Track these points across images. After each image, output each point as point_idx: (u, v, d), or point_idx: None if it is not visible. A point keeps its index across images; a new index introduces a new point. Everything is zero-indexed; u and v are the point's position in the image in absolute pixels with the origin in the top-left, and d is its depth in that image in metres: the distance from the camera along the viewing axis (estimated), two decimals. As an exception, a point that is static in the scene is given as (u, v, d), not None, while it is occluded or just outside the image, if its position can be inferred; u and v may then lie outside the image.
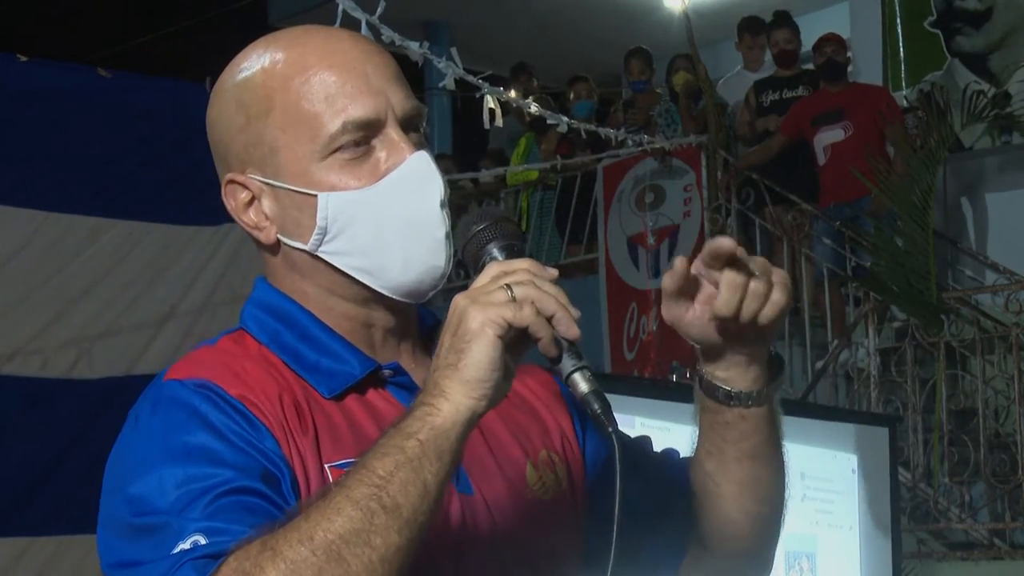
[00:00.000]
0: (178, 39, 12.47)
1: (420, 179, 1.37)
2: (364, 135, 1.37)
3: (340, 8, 4.54)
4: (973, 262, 7.62)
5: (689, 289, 1.36)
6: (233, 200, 1.42)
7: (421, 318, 1.50)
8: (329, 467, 1.32)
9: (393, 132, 1.38)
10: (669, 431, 3.73)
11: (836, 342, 7.06)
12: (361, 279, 1.39)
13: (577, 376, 1.27)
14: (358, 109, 1.36)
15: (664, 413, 3.64)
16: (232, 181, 1.41)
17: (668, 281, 1.36)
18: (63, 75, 4.77)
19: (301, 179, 1.37)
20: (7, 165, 4.51)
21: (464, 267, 1.40)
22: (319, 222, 1.37)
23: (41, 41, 10.22)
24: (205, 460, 1.25)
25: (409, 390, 1.41)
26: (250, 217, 1.41)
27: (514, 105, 8.10)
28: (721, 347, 1.39)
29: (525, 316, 1.22)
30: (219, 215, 1.49)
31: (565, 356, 1.26)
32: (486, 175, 9.04)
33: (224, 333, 1.44)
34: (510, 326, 1.21)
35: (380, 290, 1.39)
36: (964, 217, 8.15)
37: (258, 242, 1.43)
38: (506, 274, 1.25)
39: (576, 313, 1.25)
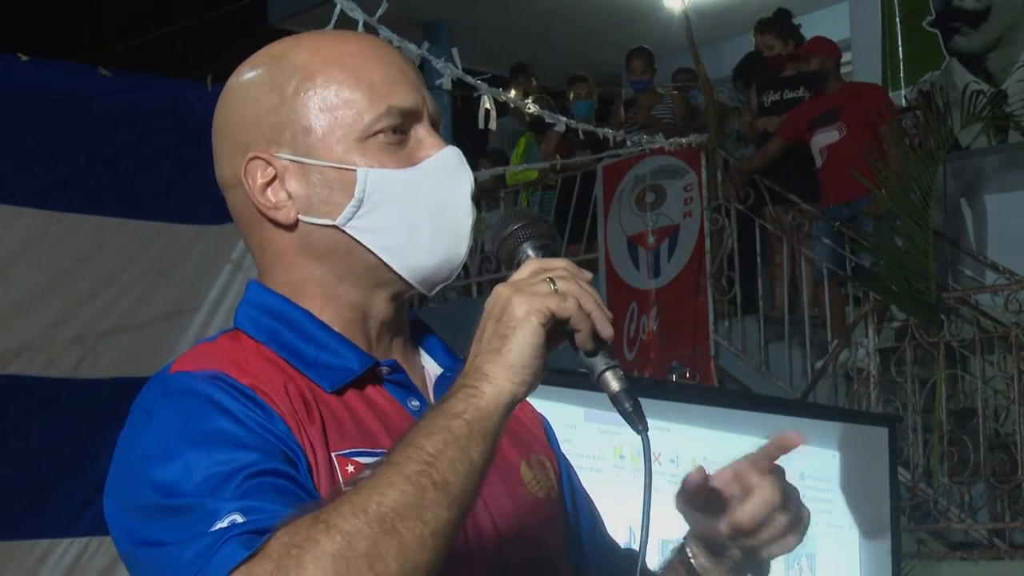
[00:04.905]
0: (178, 39, 12.47)
1: (455, 168, 1.42)
2: (403, 123, 1.41)
3: (337, 8, 4.51)
4: (973, 262, 7.61)
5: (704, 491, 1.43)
6: (251, 179, 1.41)
7: (411, 321, 1.52)
8: (336, 456, 1.33)
9: (427, 126, 1.43)
10: (669, 431, 3.73)
11: (836, 342, 7.05)
12: (385, 258, 1.40)
13: (609, 375, 1.29)
14: (402, 98, 1.41)
15: (664, 413, 3.64)
16: (256, 158, 1.41)
17: (686, 491, 1.43)
18: (65, 74, 4.75)
19: (337, 158, 1.39)
20: (10, 165, 4.51)
21: (496, 260, 1.42)
22: (356, 194, 1.38)
23: (42, 40, 10.21)
24: (227, 444, 1.25)
25: (406, 388, 1.43)
26: (268, 197, 1.41)
27: (513, 105, 8.10)
28: (716, 548, 1.46)
29: (568, 308, 1.25)
30: (226, 214, 1.47)
31: (599, 354, 1.29)
32: (485, 175, 9.05)
33: (220, 332, 1.44)
34: (553, 316, 1.25)
35: (400, 272, 1.41)
36: (964, 217, 8.15)
37: (274, 222, 1.42)
38: (546, 270, 1.27)
39: (610, 314, 1.29)
